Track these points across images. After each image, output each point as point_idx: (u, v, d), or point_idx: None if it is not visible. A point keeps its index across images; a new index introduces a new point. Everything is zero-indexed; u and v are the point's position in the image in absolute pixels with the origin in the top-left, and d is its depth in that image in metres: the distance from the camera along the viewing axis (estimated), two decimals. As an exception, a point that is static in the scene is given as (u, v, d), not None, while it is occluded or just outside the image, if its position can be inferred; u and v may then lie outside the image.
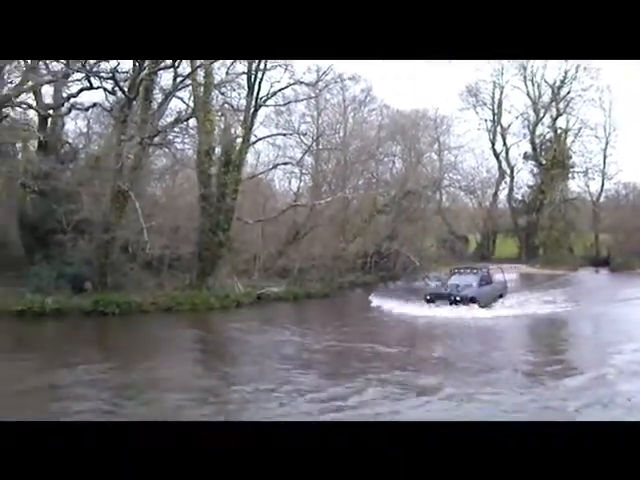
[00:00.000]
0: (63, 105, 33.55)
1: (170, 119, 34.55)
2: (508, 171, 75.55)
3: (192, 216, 36.10)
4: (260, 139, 40.70)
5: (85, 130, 39.26)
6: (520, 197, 75.82)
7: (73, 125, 40.38)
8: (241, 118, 36.10)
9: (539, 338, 27.73)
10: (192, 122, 34.45)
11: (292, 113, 46.81)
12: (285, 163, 45.86)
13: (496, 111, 75.44)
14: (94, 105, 33.11)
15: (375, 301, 36.29)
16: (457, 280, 35.53)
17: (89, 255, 31.14)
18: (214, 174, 34.55)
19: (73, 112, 34.43)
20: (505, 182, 75.76)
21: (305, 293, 38.27)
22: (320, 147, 47.35)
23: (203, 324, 29.86)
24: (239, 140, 35.68)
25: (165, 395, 16.60)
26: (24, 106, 32.83)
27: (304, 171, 49.11)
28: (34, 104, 33.17)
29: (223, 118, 35.75)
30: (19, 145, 36.87)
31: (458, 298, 32.67)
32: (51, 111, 34.31)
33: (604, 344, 24.46)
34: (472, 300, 32.71)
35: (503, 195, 76.42)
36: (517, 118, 75.00)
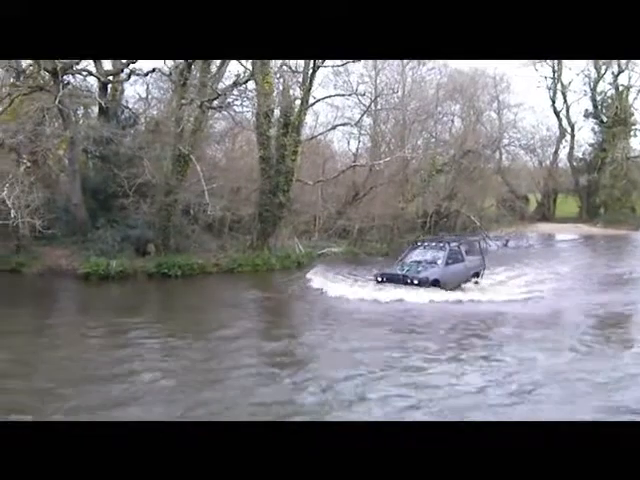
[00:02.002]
0: (122, 71, 33.99)
1: (229, 82, 34.61)
2: (569, 129, 74.22)
3: (252, 178, 36.38)
4: (318, 100, 40.37)
5: (144, 95, 39.65)
6: (581, 155, 74.61)
7: (132, 91, 40.89)
8: (299, 80, 35.90)
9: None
10: (251, 85, 34.42)
11: (350, 74, 46.64)
12: (344, 124, 45.67)
13: (556, 68, 73.96)
14: (153, 70, 33.42)
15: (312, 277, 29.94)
16: (419, 256, 28.77)
17: (151, 218, 31.56)
18: (273, 136, 34.59)
19: (132, 78, 34.75)
20: (566, 140, 74.41)
21: (365, 253, 38.30)
22: (378, 107, 47.24)
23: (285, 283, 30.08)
24: (298, 102, 35.52)
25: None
26: (85, 73, 33.40)
27: (363, 132, 49.30)
28: (94, 71, 33.53)
29: (281, 80, 35.68)
30: (80, 112, 37.44)
31: (415, 281, 26.08)
32: (111, 77, 34.68)
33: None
34: (435, 283, 26.15)
35: (564, 154, 75.14)
36: (578, 75, 73.51)
